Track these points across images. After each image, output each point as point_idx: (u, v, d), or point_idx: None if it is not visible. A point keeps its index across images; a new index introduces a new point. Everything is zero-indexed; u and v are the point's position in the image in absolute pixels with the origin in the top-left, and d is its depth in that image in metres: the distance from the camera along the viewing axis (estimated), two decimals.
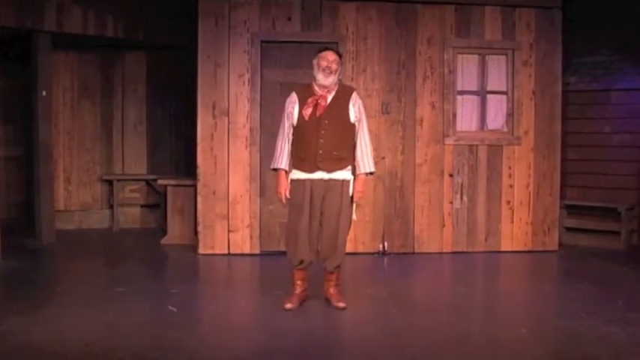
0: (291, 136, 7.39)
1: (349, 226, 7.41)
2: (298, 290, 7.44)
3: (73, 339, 6.29)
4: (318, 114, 7.24)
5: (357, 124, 7.32)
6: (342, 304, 7.36)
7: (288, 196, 7.34)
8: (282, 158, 7.35)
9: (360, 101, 7.40)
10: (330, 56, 7.33)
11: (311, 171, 7.25)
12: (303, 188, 7.28)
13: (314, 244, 7.34)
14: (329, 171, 7.23)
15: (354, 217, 7.43)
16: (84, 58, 12.38)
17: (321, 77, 7.29)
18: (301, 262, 7.34)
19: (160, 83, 12.64)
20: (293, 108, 7.37)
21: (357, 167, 7.31)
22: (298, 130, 7.33)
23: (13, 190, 12.60)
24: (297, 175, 7.32)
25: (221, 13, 10.13)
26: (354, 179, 7.31)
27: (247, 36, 10.16)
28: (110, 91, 12.64)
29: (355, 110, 7.31)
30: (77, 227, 12.37)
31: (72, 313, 7.11)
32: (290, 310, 7.27)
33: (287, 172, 7.37)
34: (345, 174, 7.27)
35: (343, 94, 7.35)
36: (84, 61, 12.41)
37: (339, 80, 7.49)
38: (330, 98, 7.30)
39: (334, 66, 7.30)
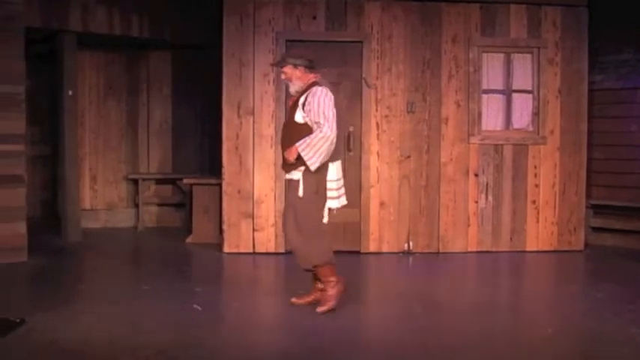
0: None
1: (301, 226, 7.08)
2: (314, 289, 7.45)
3: (98, 336, 6.32)
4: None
5: (309, 122, 7.02)
6: (318, 309, 7.14)
7: None
8: None
9: (316, 97, 7.01)
10: (281, 72, 7.37)
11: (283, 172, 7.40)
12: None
13: None
14: (286, 171, 7.24)
15: (324, 219, 7.20)
16: (109, 57, 12.46)
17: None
18: None
19: (185, 82, 12.68)
20: None
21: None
22: None
23: (39, 189, 12.71)
24: None
25: (246, 12, 10.15)
26: None
27: (272, 35, 10.18)
28: (135, 91, 12.70)
29: (307, 109, 7.03)
30: (103, 226, 12.44)
31: (97, 311, 7.14)
32: (292, 303, 7.35)
33: None
34: (296, 174, 7.12)
35: (304, 94, 7.16)
36: (109, 60, 12.49)
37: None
38: (297, 100, 7.23)
39: (284, 75, 7.29)
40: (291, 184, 7.20)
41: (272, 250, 10.23)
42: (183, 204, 12.49)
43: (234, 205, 10.21)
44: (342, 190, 7.34)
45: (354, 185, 10.29)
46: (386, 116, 10.30)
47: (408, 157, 10.36)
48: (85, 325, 6.66)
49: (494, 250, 10.50)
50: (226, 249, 10.24)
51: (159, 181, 12.68)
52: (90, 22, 10.80)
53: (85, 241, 10.98)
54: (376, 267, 9.80)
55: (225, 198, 10.24)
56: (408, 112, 10.35)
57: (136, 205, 12.57)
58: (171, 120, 12.84)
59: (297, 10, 10.22)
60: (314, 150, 6.93)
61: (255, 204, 10.21)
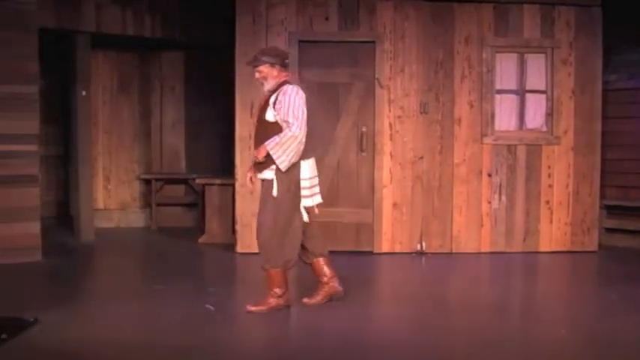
0: None
1: (272, 226, 7.09)
2: (321, 285, 7.59)
3: (110, 336, 6.34)
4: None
5: (279, 120, 7.03)
6: (249, 307, 7.17)
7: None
8: None
9: (287, 96, 7.01)
10: (255, 71, 7.32)
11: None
12: None
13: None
14: (257, 171, 7.24)
15: (305, 218, 7.21)
16: (122, 57, 12.50)
17: None
18: None
19: (197, 82, 12.69)
20: None
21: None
22: None
23: (53, 188, 12.73)
24: None
25: (258, 12, 10.15)
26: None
27: (285, 35, 10.18)
28: (148, 91, 12.74)
29: (277, 107, 7.03)
30: (116, 226, 12.47)
31: (109, 311, 7.17)
32: (304, 304, 7.41)
33: None
34: (268, 173, 7.12)
35: (275, 92, 7.15)
36: (122, 60, 12.53)
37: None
38: (268, 99, 7.21)
39: (258, 75, 7.24)
40: (264, 184, 7.21)
41: None
42: (196, 204, 12.50)
43: (246, 205, 10.20)
44: (316, 189, 7.33)
45: (367, 185, 10.31)
46: (399, 117, 10.29)
47: (421, 157, 10.34)
48: (97, 324, 6.69)
49: (507, 250, 10.47)
50: (239, 249, 10.24)
51: (172, 181, 12.71)
52: (103, 22, 10.83)
53: (98, 241, 11.01)
54: (389, 267, 9.79)
55: (237, 198, 10.25)
56: (421, 113, 10.32)
57: (149, 205, 12.60)
58: (183, 120, 12.86)
59: (310, 10, 10.22)
60: (283, 149, 6.95)
61: None
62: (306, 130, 6.99)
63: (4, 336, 6.05)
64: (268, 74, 7.20)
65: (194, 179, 11.99)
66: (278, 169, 7.01)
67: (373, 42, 10.25)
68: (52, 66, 11.73)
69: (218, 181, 11.23)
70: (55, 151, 12.67)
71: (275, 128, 7.03)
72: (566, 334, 6.63)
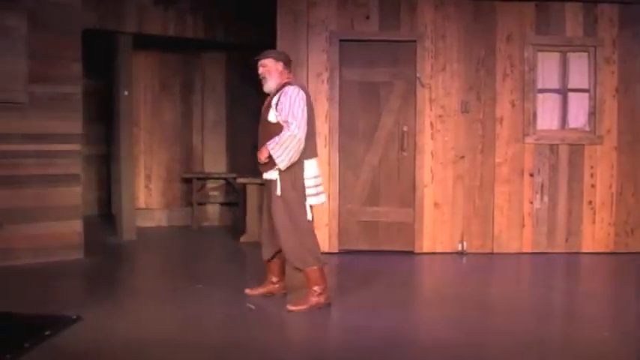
0: None
1: (287, 226, 7.20)
2: (267, 282, 7.80)
3: (152, 334, 6.39)
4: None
5: (281, 121, 7.11)
6: (289, 307, 7.21)
7: None
8: None
9: (287, 96, 7.11)
10: (259, 66, 7.43)
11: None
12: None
13: (267, 241, 7.57)
14: (263, 171, 7.33)
15: (308, 216, 7.24)
16: (164, 57, 12.57)
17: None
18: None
19: (238, 82, 12.72)
20: None
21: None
22: None
23: (95, 187, 12.87)
24: None
25: (299, 12, 10.17)
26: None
27: (326, 35, 10.18)
28: (190, 91, 12.80)
29: (279, 108, 7.13)
30: (157, 225, 12.54)
31: (150, 309, 7.23)
32: (246, 294, 7.68)
33: None
34: (272, 174, 7.21)
35: (277, 93, 7.25)
36: (164, 60, 12.59)
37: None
38: (271, 100, 7.28)
39: (262, 69, 7.38)
40: (269, 185, 7.31)
41: (325, 250, 10.20)
42: (237, 203, 12.54)
43: None
44: (321, 188, 7.39)
45: (408, 185, 10.28)
46: (440, 116, 10.25)
47: (463, 157, 10.29)
48: (138, 322, 6.75)
49: (549, 251, 10.39)
50: None
51: (213, 180, 12.77)
52: (145, 23, 10.93)
53: (139, 240, 11.09)
54: (430, 267, 9.75)
55: None
56: (463, 112, 10.28)
57: (190, 204, 12.66)
58: (225, 119, 12.92)
59: (351, 10, 10.22)
60: (282, 148, 7.03)
61: None
62: (305, 129, 7.08)
63: (47, 333, 6.13)
64: (272, 68, 7.36)
65: (235, 178, 12.03)
66: (280, 168, 7.10)
67: (414, 41, 10.21)
68: (94, 66, 11.85)
69: (258, 181, 11.23)
70: (98, 150, 12.81)
71: (277, 129, 7.13)
72: (609, 336, 6.56)
